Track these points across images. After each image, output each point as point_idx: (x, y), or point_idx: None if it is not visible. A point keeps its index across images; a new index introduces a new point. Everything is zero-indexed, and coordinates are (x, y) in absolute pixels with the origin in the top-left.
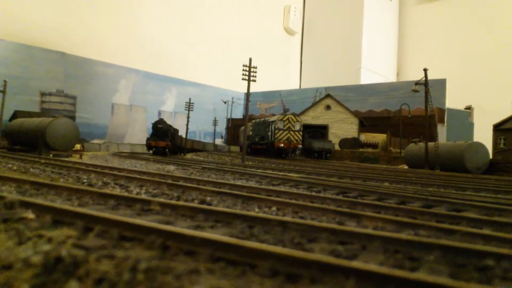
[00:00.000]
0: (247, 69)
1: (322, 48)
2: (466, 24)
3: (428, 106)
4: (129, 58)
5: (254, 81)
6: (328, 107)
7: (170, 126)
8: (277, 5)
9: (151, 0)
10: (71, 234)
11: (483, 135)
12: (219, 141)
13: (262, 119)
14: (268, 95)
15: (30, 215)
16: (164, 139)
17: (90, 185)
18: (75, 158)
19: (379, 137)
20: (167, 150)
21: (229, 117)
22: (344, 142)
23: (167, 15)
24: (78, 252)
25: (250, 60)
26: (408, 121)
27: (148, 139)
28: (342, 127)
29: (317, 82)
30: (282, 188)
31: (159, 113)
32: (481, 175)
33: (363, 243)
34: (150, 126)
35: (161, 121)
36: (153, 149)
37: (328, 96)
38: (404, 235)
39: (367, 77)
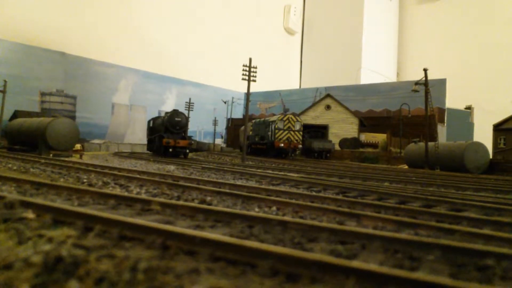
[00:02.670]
0: (247, 69)
1: (322, 48)
2: (466, 24)
3: (428, 106)
4: (129, 58)
5: (254, 81)
6: (328, 107)
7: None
8: (277, 5)
9: (151, 0)
10: (71, 234)
11: (483, 135)
12: (219, 141)
13: (262, 119)
14: (268, 95)
15: (30, 215)
16: (184, 137)
17: (90, 185)
18: (75, 158)
19: (379, 137)
20: (187, 151)
21: (229, 117)
22: (344, 142)
23: (167, 15)
24: (78, 251)
25: (250, 60)
26: (408, 121)
27: (162, 137)
28: (342, 127)
29: (317, 82)
30: (282, 188)
31: (159, 113)
32: (481, 175)
33: (363, 243)
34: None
35: (178, 113)
36: (170, 150)
37: (328, 96)
38: (404, 235)
39: (367, 77)
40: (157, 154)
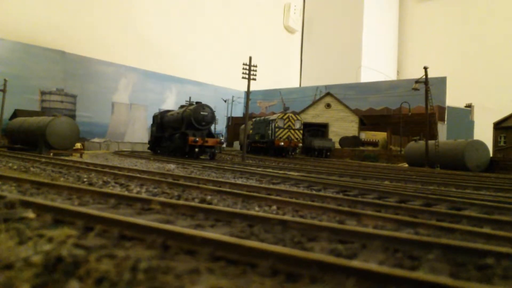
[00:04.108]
0: (247, 67)
1: (322, 46)
2: (467, 22)
3: (428, 104)
4: (129, 56)
5: (254, 79)
6: (328, 106)
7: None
8: (277, 3)
9: None
10: (71, 234)
11: (484, 133)
12: None
13: (263, 118)
14: (268, 94)
15: (31, 214)
16: (212, 134)
17: (90, 184)
18: (76, 157)
19: (380, 136)
20: (216, 151)
21: (229, 115)
22: (344, 141)
23: (167, 14)
24: (79, 251)
25: (250, 58)
26: (409, 119)
27: (185, 134)
28: (342, 126)
29: (317, 80)
30: (282, 187)
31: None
32: (481, 173)
33: (363, 242)
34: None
35: (204, 106)
36: (196, 150)
37: (328, 94)
38: (404, 234)
39: (367, 75)
40: (171, 154)
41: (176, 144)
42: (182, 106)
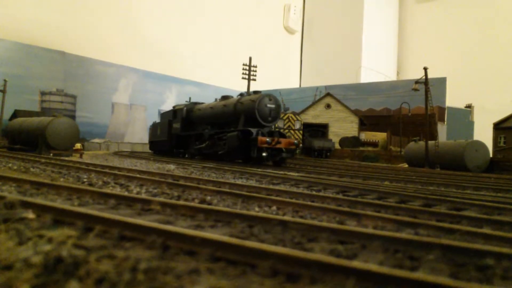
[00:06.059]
0: (247, 68)
1: (322, 47)
2: (467, 23)
3: (428, 104)
4: (129, 57)
5: (254, 80)
6: (328, 106)
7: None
8: (277, 3)
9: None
10: (71, 234)
11: (483, 133)
12: None
13: None
14: None
15: (31, 215)
16: (283, 134)
17: (90, 184)
18: (75, 157)
19: (379, 136)
20: (287, 154)
21: None
22: (344, 141)
23: (167, 14)
24: (79, 252)
25: (250, 59)
26: (408, 119)
27: (248, 133)
28: (342, 126)
29: (317, 80)
30: (282, 187)
31: (159, 112)
32: (481, 173)
33: (363, 243)
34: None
35: (269, 97)
36: (264, 155)
37: (328, 95)
38: (404, 234)
39: (367, 76)
40: (212, 158)
41: (232, 146)
42: (223, 98)
